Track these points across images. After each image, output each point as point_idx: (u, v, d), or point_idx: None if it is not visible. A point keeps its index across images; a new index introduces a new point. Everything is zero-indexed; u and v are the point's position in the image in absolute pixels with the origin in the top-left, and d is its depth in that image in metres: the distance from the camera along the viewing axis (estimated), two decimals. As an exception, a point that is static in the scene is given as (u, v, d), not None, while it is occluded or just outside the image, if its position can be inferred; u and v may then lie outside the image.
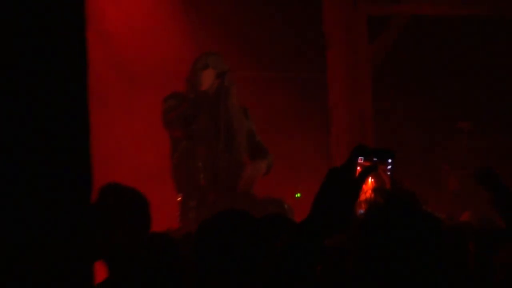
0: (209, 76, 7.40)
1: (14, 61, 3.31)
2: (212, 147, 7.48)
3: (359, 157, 2.88)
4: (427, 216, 2.82)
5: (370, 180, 2.92)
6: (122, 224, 4.12)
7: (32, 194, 3.10)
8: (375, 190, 2.96)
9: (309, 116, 9.35)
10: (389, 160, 2.95)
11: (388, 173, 2.97)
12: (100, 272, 3.93)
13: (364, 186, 2.89)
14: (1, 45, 3.24)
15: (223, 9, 9.75)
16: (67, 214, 3.22)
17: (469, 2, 9.26)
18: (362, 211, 2.88)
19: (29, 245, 2.67)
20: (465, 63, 9.80)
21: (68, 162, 3.33)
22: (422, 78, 9.83)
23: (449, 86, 9.84)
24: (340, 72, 8.85)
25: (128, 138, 9.09)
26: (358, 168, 2.89)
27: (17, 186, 2.46)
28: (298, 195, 8.55)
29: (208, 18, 9.74)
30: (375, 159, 2.92)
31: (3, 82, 3.26)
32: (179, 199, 7.51)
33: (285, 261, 2.71)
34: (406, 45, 9.44)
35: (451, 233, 3.96)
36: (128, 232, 4.06)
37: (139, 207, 4.25)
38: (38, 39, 3.29)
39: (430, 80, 9.84)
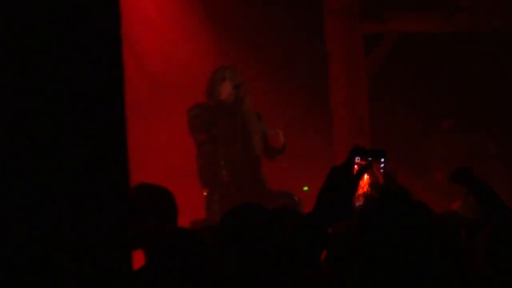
0: (226, 87, 7.49)
1: (60, 80, 3.33)
2: (231, 148, 7.52)
3: (356, 157, 2.90)
4: (416, 205, 2.83)
5: (366, 176, 2.93)
6: (152, 216, 4.15)
7: (79, 190, 3.14)
8: (370, 185, 2.97)
9: (315, 118, 9.34)
10: (382, 159, 2.97)
11: (381, 170, 2.99)
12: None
13: (361, 182, 2.91)
14: (48, 66, 3.26)
15: (244, 27, 9.78)
16: (108, 209, 3.25)
17: (447, 21, 9.29)
18: (359, 203, 2.88)
19: (75, 236, 2.67)
20: (447, 71, 9.79)
21: (109, 165, 3.36)
22: (411, 84, 9.82)
23: (435, 90, 9.83)
24: (341, 81, 8.88)
25: (159, 142, 9.12)
26: (356, 166, 2.91)
27: (66, 186, 2.47)
28: (306, 188, 8.55)
29: (231, 34, 9.74)
30: (370, 158, 2.93)
31: (49, 98, 3.28)
32: (205, 193, 7.56)
33: (295, 246, 2.72)
34: (397, 57, 9.43)
35: (441, 220, 3.95)
36: (157, 223, 4.09)
37: (166, 201, 4.28)
38: (82, 58, 3.32)
39: (418, 85, 9.83)
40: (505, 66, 9.51)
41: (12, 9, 3.42)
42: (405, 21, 9.30)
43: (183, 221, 5.61)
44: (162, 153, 9.10)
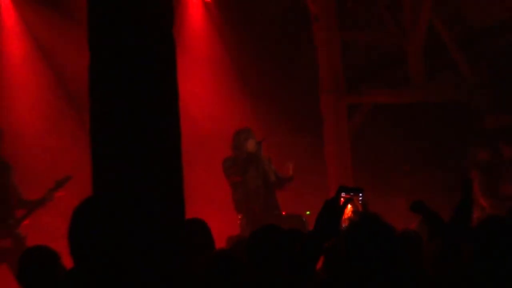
0: (251, 143, 7.54)
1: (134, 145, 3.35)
2: (257, 186, 7.55)
3: (342, 193, 2.93)
4: (384, 225, 2.84)
5: (349, 206, 2.96)
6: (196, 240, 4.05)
7: (148, 221, 3.16)
8: (353, 212, 3.00)
9: (314, 164, 9.25)
10: (360, 194, 3.00)
11: (360, 201, 3.01)
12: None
13: (346, 210, 2.94)
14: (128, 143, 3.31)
15: (264, 97, 9.83)
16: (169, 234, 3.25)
17: (407, 94, 9.31)
18: (345, 225, 2.91)
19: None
20: (407, 129, 9.74)
21: (170, 202, 3.36)
22: (381, 139, 9.71)
23: (399, 143, 9.74)
24: (331, 138, 8.86)
25: (203, 181, 9.07)
26: (342, 199, 2.94)
27: (137, 222, 2.45)
28: (308, 212, 8.48)
29: (255, 101, 9.79)
30: (351, 193, 2.97)
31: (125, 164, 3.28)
32: (239, 217, 7.55)
33: (301, 255, 2.75)
34: (371, 120, 9.43)
35: (403, 236, 3.91)
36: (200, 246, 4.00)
37: (202, 228, 4.22)
38: (156, 128, 3.37)
39: (387, 140, 9.74)
40: (449, 126, 9.50)
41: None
42: (377, 95, 9.33)
43: (222, 236, 5.58)
44: (205, 188, 9.05)
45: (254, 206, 7.50)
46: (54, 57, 9.08)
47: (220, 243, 4.88)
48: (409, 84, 9.33)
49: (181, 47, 7.17)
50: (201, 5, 9.84)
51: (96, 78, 3.44)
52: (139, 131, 3.39)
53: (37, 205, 6.43)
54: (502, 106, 9.19)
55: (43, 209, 6.57)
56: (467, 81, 9.37)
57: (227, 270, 3.08)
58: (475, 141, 9.04)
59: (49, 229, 7.37)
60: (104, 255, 2.25)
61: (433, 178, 9.12)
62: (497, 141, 8.68)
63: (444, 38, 9.40)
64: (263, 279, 2.79)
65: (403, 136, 9.64)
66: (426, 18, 9.19)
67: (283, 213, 7.76)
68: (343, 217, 2.94)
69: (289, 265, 2.67)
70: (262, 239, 3.04)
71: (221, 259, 3.20)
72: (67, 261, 2.64)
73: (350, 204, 3.01)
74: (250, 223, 7.31)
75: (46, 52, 9.09)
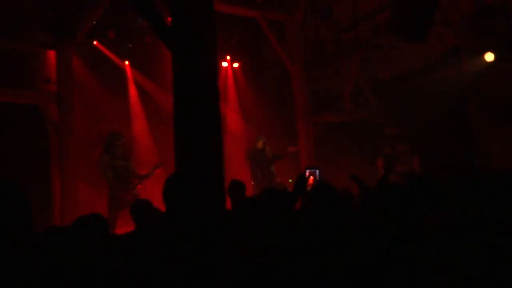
0: (260, 143, 7.54)
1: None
2: (262, 165, 7.54)
3: (307, 170, 2.94)
4: (331, 188, 2.80)
5: (311, 177, 2.97)
6: (236, 192, 4.09)
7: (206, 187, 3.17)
8: (313, 181, 3.02)
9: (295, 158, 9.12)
10: (317, 171, 3.01)
11: (317, 175, 3.03)
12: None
13: (310, 180, 2.95)
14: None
15: (264, 122, 9.76)
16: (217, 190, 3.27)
17: (341, 116, 9.21)
18: (309, 188, 2.92)
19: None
20: (346, 136, 9.64)
21: (215, 175, 3.37)
22: (331, 142, 9.64)
23: (341, 143, 9.64)
24: (303, 142, 8.79)
25: (236, 166, 9.04)
26: (307, 173, 2.95)
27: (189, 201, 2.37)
28: (290, 180, 8.46)
29: (256, 126, 9.72)
30: (312, 170, 2.98)
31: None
32: (252, 183, 7.55)
33: (288, 202, 2.74)
34: (326, 131, 9.35)
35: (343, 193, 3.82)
36: (238, 195, 4.00)
37: (241, 187, 4.20)
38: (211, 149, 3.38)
39: (334, 142, 9.66)
40: (367, 133, 9.43)
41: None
42: (328, 117, 9.26)
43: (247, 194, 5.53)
44: (240, 168, 8.94)
45: (259, 177, 7.52)
46: (155, 97, 9.35)
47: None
48: (345, 111, 9.27)
49: (222, 94, 7.26)
50: (231, 70, 9.97)
51: (177, 109, 3.57)
52: (199, 138, 3.46)
53: (145, 177, 6.54)
54: (393, 122, 9.23)
55: (148, 179, 6.68)
56: (375, 109, 9.36)
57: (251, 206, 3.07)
58: (381, 142, 9.04)
59: (151, 190, 7.48)
60: (182, 205, 2.28)
61: (361, 162, 9.05)
62: (393, 142, 8.73)
63: (363, 85, 9.40)
64: (268, 213, 2.79)
65: (344, 139, 9.60)
66: (354, 75, 9.17)
67: (279, 180, 7.73)
68: (308, 183, 2.96)
69: (281, 207, 2.66)
70: (268, 195, 3.04)
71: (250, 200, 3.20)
72: (162, 208, 2.66)
73: (312, 176, 3.03)
74: (257, 187, 7.33)
75: (151, 95, 9.34)
